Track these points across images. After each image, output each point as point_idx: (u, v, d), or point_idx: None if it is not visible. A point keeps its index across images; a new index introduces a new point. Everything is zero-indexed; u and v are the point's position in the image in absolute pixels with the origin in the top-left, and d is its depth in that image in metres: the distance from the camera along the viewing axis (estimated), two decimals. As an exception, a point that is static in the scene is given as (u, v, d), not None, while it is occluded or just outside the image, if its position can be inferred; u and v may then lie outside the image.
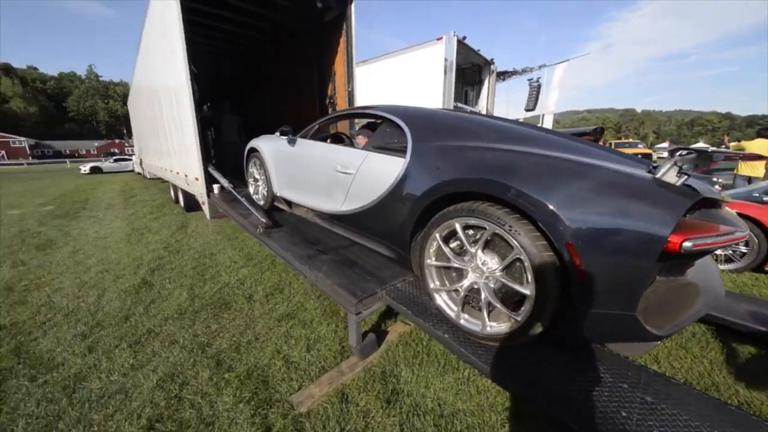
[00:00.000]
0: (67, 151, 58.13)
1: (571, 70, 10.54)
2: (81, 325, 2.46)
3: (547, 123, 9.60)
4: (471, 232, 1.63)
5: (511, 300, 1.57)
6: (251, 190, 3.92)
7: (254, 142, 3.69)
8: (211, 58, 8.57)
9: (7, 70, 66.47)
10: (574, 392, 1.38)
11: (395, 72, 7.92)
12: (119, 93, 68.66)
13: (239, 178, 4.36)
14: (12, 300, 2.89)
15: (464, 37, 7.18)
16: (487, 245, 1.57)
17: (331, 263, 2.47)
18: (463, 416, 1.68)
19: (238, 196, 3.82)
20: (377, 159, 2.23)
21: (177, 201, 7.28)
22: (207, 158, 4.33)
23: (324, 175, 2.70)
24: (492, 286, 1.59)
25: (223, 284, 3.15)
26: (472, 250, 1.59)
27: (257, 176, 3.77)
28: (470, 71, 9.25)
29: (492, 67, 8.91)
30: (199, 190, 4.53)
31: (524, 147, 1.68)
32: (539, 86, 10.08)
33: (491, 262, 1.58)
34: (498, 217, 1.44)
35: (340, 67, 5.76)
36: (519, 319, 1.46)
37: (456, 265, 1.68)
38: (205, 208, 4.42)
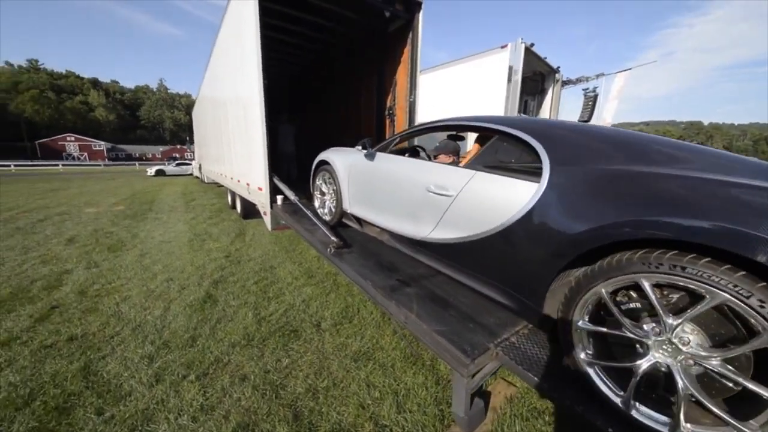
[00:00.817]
0: (137, 155, 64.33)
1: (631, 79, 9.54)
2: (148, 345, 2.28)
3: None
4: (664, 292, 1.16)
5: (720, 395, 1.07)
6: (317, 204, 3.68)
7: (325, 155, 3.45)
8: (272, 69, 8.79)
9: (94, 83, 75.66)
10: None
11: (453, 82, 7.54)
12: (183, 104, 75.31)
13: (294, 189, 4.17)
14: (84, 306, 2.83)
15: (532, 44, 6.64)
16: (697, 317, 1.08)
17: (419, 300, 2.08)
18: None
19: (306, 211, 3.59)
20: (490, 180, 1.78)
21: (234, 207, 7.38)
22: (272, 168, 4.19)
23: (410, 195, 2.33)
24: (693, 372, 1.10)
25: (287, 305, 2.89)
26: (671, 321, 1.11)
27: (325, 190, 3.52)
28: (531, 80, 8.62)
29: (557, 75, 8.23)
30: (261, 200, 4.40)
31: (735, 177, 1.18)
32: (596, 96, 9.13)
33: (697, 339, 1.09)
34: (735, 283, 0.96)
35: (402, 77, 5.49)
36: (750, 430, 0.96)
37: (631, 335, 1.21)
38: (267, 218, 4.27)
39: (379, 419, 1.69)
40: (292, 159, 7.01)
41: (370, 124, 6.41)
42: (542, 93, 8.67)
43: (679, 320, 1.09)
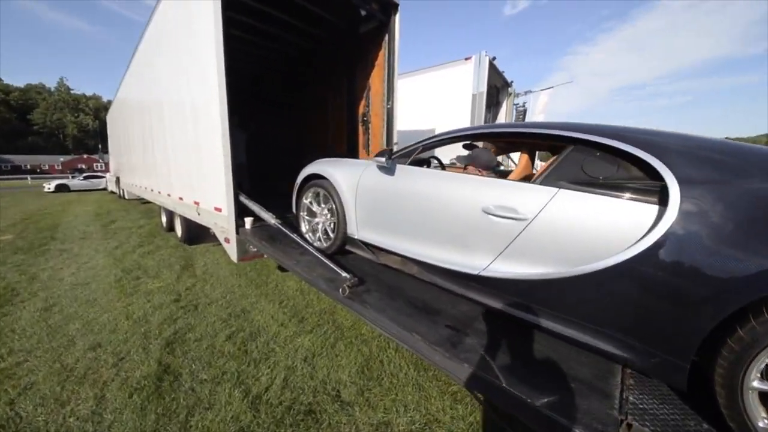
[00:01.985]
0: (28, 166, 53.01)
1: (552, 96, 10.67)
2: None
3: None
4: None
5: None
6: (303, 228, 2.97)
7: (318, 168, 2.78)
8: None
9: (-38, 79, 60.98)
10: None
11: (417, 91, 7.33)
12: (91, 107, 64.71)
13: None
14: (-54, 414, 1.75)
15: (494, 58, 6.74)
16: None
17: (491, 356, 1.58)
18: None
19: (296, 238, 2.83)
20: (584, 201, 1.43)
21: (171, 229, 6.07)
22: (237, 185, 3.34)
23: (457, 218, 1.84)
24: None
25: (285, 370, 2.14)
26: None
27: (316, 210, 2.84)
28: (488, 93, 8.86)
29: (510, 89, 8.57)
30: (221, 223, 3.50)
31: None
32: (525, 111, 9.89)
33: None
34: None
35: (376, 82, 5.02)
36: None
37: None
38: (231, 246, 3.38)
39: None
40: (243, 170, 6.06)
41: (340, 131, 5.81)
42: (497, 106, 8.95)
43: None
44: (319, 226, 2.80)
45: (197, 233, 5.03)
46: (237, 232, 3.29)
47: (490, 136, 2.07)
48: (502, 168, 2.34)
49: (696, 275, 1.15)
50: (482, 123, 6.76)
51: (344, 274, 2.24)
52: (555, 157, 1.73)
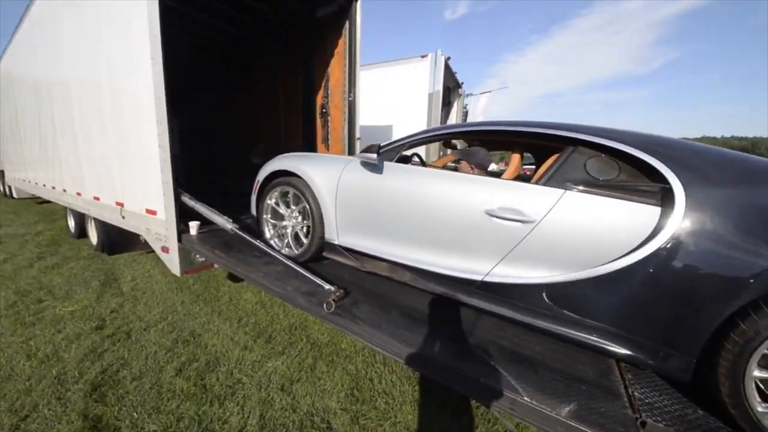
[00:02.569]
0: None
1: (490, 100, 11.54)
2: None
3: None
4: None
5: None
6: (267, 233, 2.56)
7: (286, 163, 2.40)
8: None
9: None
10: None
11: (374, 85, 7.12)
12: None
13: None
14: None
15: (448, 58, 6.83)
16: None
17: (505, 368, 1.47)
18: None
19: (260, 244, 2.41)
20: (591, 202, 1.43)
21: (83, 235, 4.98)
22: (178, 182, 2.78)
23: (458, 220, 1.72)
24: None
25: (260, 405, 1.78)
26: None
27: (284, 213, 2.46)
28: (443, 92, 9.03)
29: (460, 90, 8.83)
30: (156, 228, 2.90)
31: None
32: (467, 113, 10.49)
33: None
34: None
35: (336, 72, 4.70)
36: None
37: None
38: (172, 256, 2.81)
39: None
40: (177, 163, 5.22)
41: (294, 123, 5.36)
42: (449, 106, 9.18)
43: None
44: (288, 231, 2.44)
45: (120, 240, 4.16)
46: (179, 240, 2.75)
47: (487, 133, 1.96)
48: (493, 168, 2.25)
49: (702, 274, 1.22)
50: (438, 122, 6.83)
51: (327, 286, 1.95)
52: (555, 157, 1.68)
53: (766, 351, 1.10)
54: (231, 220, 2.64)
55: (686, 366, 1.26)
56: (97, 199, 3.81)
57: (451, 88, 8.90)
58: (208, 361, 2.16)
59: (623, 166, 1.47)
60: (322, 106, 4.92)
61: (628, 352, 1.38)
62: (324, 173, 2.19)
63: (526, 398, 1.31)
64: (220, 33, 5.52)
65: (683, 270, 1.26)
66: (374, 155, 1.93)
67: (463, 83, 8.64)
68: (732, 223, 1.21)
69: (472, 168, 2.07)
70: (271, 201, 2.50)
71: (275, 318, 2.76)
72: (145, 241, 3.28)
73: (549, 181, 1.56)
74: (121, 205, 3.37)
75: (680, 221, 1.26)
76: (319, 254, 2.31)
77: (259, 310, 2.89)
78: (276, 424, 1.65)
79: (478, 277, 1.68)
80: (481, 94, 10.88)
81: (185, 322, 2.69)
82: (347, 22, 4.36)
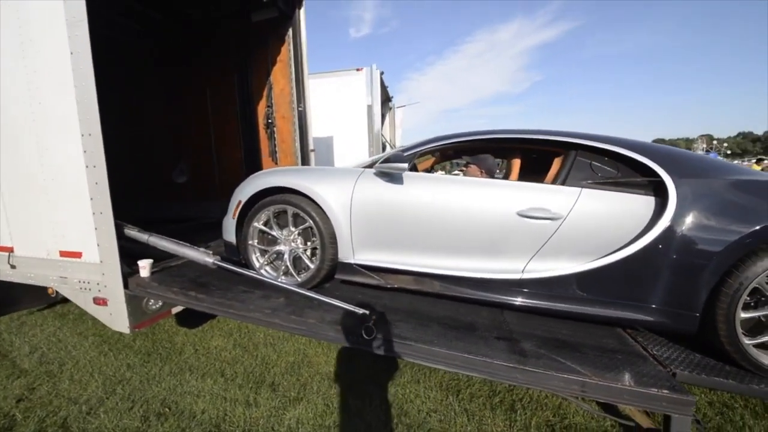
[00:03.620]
0: None
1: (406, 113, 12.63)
2: None
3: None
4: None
5: None
6: (256, 262, 2.16)
7: (283, 179, 2.08)
8: None
9: None
10: None
11: (313, 96, 6.87)
12: None
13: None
14: None
15: (382, 72, 7.05)
16: None
17: (555, 352, 1.56)
18: None
19: (261, 277, 2.02)
20: (603, 197, 1.69)
21: None
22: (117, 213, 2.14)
23: (490, 223, 1.79)
24: None
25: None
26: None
27: (278, 235, 2.12)
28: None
29: (390, 104, 9.18)
30: (84, 276, 2.20)
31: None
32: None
33: None
34: None
35: (281, 81, 4.40)
36: None
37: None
38: (113, 309, 2.13)
39: None
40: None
41: (229, 135, 4.77)
42: (382, 118, 9.44)
43: None
44: (285, 256, 2.11)
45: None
46: (126, 286, 2.13)
47: (497, 141, 2.06)
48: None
49: (698, 245, 1.53)
50: (379, 134, 6.94)
51: (357, 310, 1.75)
52: (561, 161, 1.88)
53: (747, 298, 1.45)
54: (210, 252, 2.15)
55: (693, 321, 1.56)
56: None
57: (383, 102, 9.19)
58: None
59: (619, 166, 1.74)
60: (267, 117, 4.50)
61: (650, 318, 1.64)
62: (334, 188, 1.99)
63: (594, 378, 1.42)
64: (137, 33, 4.60)
65: (683, 244, 1.54)
66: (405, 165, 1.83)
67: (393, 97, 9.00)
68: (712, 205, 1.55)
69: (481, 173, 2.14)
70: (258, 224, 2.13)
71: (267, 360, 2.35)
72: (56, 293, 2.45)
73: (565, 181, 1.75)
74: (8, 250, 2.46)
75: (675, 207, 1.55)
76: (329, 278, 2.07)
77: (242, 356, 2.42)
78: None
79: (516, 276, 1.75)
80: (398, 107, 11.59)
81: (147, 391, 2.07)
82: (290, 30, 4.12)
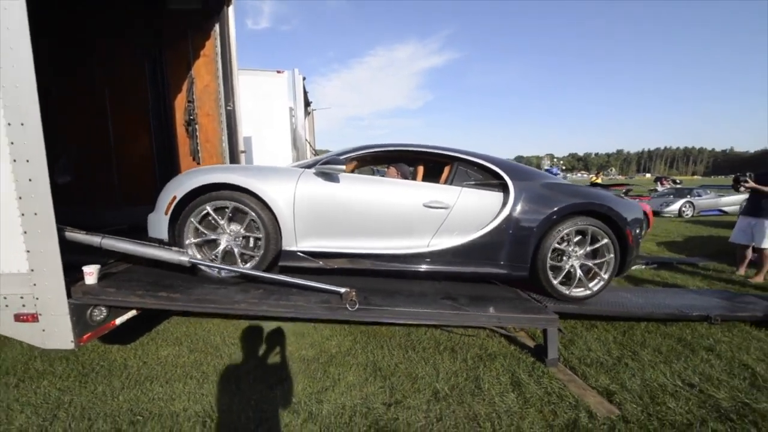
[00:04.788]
0: None
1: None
2: None
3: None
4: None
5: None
6: (197, 255, 2.23)
7: (225, 176, 2.28)
8: None
9: None
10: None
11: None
12: None
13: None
14: None
15: (304, 78, 7.16)
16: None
17: (481, 303, 2.28)
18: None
19: (230, 268, 2.08)
20: (474, 194, 2.51)
21: None
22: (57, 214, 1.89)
23: (404, 213, 2.45)
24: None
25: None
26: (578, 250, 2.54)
27: (218, 230, 2.33)
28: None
29: (309, 108, 9.25)
30: (14, 289, 1.86)
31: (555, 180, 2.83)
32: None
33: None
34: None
35: (205, 77, 4.23)
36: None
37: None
38: (49, 323, 1.85)
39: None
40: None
41: (136, 132, 4.25)
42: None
43: (581, 250, 2.40)
44: (219, 249, 2.32)
45: None
46: (69, 295, 1.92)
47: (407, 152, 2.75)
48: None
49: (526, 224, 2.41)
50: (301, 134, 7.01)
51: (340, 289, 2.09)
52: (449, 168, 2.64)
53: (556, 245, 2.43)
54: (183, 250, 2.10)
55: (525, 269, 2.49)
56: None
57: (304, 106, 9.17)
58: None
59: (482, 173, 2.59)
60: (188, 113, 4.20)
61: (503, 272, 2.52)
62: (278, 185, 2.32)
63: (504, 313, 2.16)
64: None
65: (518, 223, 2.42)
66: (343, 166, 2.31)
67: (312, 102, 9.09)
68: (532, 198, 2.45)
69: (398, 175, 2.82)
70: (194, 219, 2.25)
71: (236, 357, 2.40)
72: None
73: (451, 182, 2.55)
74: None
75: (513, 200, 2.41)
76: (273, 266, 2.36)
77: (204, 358, 2.38)
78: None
79: (424, 249, 2.45)
80: (314, 111, 11.72)
81: (103, 407, 1.89)
82: (217, 26, 4.01)
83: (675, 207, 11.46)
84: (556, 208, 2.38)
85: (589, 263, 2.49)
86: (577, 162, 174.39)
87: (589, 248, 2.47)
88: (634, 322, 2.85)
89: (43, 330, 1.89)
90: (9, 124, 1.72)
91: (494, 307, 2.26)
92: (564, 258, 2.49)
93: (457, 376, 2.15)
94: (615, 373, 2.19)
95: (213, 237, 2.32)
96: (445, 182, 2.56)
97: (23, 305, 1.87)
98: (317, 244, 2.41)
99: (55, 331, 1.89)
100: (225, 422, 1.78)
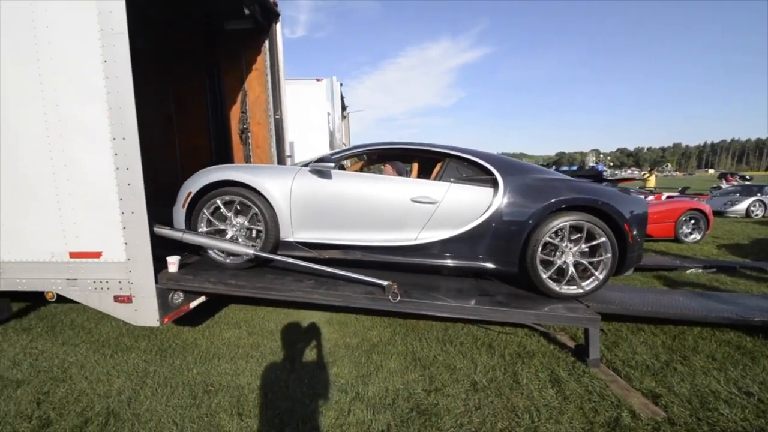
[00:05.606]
0: None
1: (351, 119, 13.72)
2: None
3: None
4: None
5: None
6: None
7: (231, 174, 2.60)
8: None
9: None
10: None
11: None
12: None
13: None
14: None
15: (342, 84, 7.52)
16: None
17: (514, 299, 2.32)
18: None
19: (299, 261, 2.38)
20: (463, 189, 2.53)
21: None
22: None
23: (393, 206, 2.54)
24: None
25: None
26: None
27: (226, 221, 2.66)
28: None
29: (344, 113, 9.64)
30: (99, 275, 2.26)
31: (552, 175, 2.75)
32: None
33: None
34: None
35: (256, 88, 4.61)
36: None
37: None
38: (139, 305, 2.22)
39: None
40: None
41: (198, 140, 4.72)
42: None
43: (575, 247, 2.30)
44: (239, 239, 2.65)
45: None
46: (156, 281, 2.26)
47: (401, 149, 2.88)
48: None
49: (514, 219, 2.38)
50: (338, 137, 7.35)
51: (382, 282, 2.24)
52: (440, 165, 2.67)
53: (545, 241, 2.36)
54: (249, 243, 2.40)
55: (514, 264, 2.45)
56: None
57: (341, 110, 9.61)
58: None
59: (473, 168, 2.58)
60: (241, 123, 4.61)
61: (491, 266, 2.50)
62: (276, 181, 2.56)
63: (544, 311, 2.18)
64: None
65: (506, 218, 2.40)
66: (332, 164, 2.51)
67: (348, 106, 9.49)
68: (521, 193, 2.41)
69: (394, 172, 2.97)
70: (206, 212, 2.58)
71: (289, 341, 2.66)
72: (56, 296, 2.39)
73: (441, 178, 2.57)
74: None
75: (502, 195, 2.39)
76: (272, 253, 2.58)
77: (261, 341, 2.66)
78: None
79: (413, 242, 2.51)
80: (350, 114, 12.15)
81: (180, 377, 2.21)
82: (266, 41, 4.36)
83: (742, 206, 10.29)
84: (545, 203, 2.34)
85: (584, 261, 2.40)
86: (627, 158, 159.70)
87: (585, 245, 2.38)
88: (686, 326, 2.71)
89: (135, 310, 2.25)
90: (114, 138, 2.08)
91: (534, 305, 2.29)
92: (557, 253, 2.42)
93: (494, 370, 2.22)
94: (662, 377, 2.12)
95: (222, 227, 2.64)
96: (436, 178, 2.60)
97: (120, 288, 2.24)
98: (312, 236, 2.59)
99: (145, 310, 2.25)
100: (283, 396, 2.00)
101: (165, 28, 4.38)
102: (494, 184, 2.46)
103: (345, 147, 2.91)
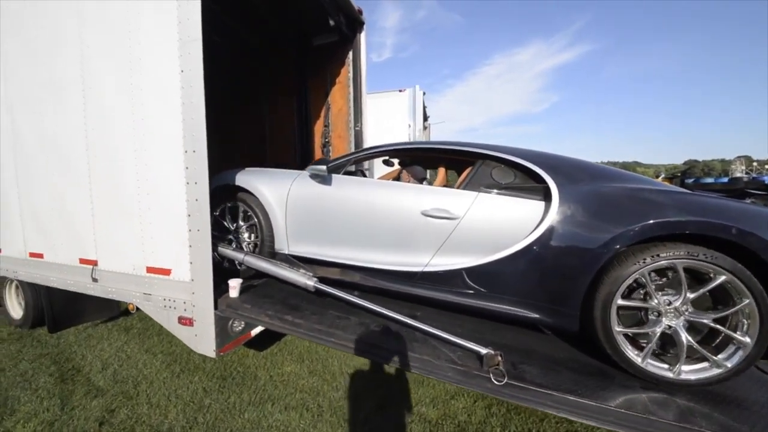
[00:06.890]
0: None
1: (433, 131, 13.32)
2: None
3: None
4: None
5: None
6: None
7: (233, 178, 2.36)
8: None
9: None
10: None
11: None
12: None
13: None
14: None
15: (425, 93, 7.09)
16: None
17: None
18: None
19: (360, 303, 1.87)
20: (496, 201, 1.76)
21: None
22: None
23: (398, 221, 1.92)
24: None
25: None
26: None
27: (228, 227, 2.46)
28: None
29: (426, 123, 9.20)
30: (168, 293, 2.12)
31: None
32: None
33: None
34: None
35: (339, 101, 4.41)
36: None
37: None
38: (199, 330, 2.01)
39: None
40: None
41: (284, 153, 4.77)
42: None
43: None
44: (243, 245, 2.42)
45: (66, 310, 2.99)
46: (216, 307, 2.01)
47: (417, 150, 2.32)
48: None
49: (572, 249, 1.55)
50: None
51: (479, 349, 1.55)
52: (469, 168, 1.94)
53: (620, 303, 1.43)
54: (309, 273, 2.02)
55: (574, 319, 1.54)
56: (36, 256, 2.70)
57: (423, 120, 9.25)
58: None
59: (516, 173, 1.80)
60: (324, 136, 4.49)
61: (532, 315, 1.64)
62: (273, 187, 2.25)
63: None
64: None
65: (559, 245, 1.56)
66: (323, 166, 2.06)
67: (429, 116, 9.04)
68: (588, 209, 1.56)
69: (410, 179, 2.30)
70: (215, 213, 2.37)
71: (350, 393, 2.16)
72: (136, 309, 2.37)
73: (466, 186, 1.85)
74: (92, 263, 2.42)
75: (556, 211, 1.58)
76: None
77: (321, 386, 2.24)
78: None
79: (421, 269, 1.85)
80: (432, 125, 11.76)
81: (230, 422, 1.92)
82: (351, 52, 4.16)
83: None
84: (632, 228, 1.41)
85: (707, 321, 1.37)
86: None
87: (700, 295, 1.37)
88: None
89: (195, 335, 2.05)
90: (186, 151, 1.93)
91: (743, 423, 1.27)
92: (648, 307, 1.44)
93: None
94: None
95: (227, 231, 2.45)
96: (461, 186, 1.87)
97: (185, 309, 2.08)
98: (306, 250, 2.19)
99: (204, 337, 2.02)
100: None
101: (261, 54, 4.59)
102: (545, 194, 1.66)
103: (357, 150, 2.47)
